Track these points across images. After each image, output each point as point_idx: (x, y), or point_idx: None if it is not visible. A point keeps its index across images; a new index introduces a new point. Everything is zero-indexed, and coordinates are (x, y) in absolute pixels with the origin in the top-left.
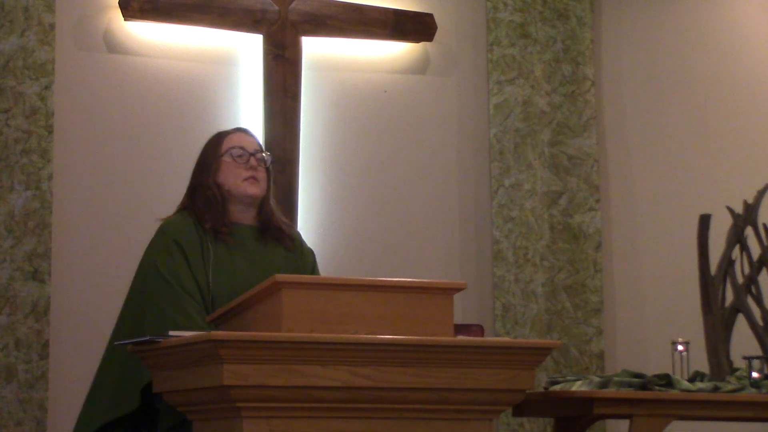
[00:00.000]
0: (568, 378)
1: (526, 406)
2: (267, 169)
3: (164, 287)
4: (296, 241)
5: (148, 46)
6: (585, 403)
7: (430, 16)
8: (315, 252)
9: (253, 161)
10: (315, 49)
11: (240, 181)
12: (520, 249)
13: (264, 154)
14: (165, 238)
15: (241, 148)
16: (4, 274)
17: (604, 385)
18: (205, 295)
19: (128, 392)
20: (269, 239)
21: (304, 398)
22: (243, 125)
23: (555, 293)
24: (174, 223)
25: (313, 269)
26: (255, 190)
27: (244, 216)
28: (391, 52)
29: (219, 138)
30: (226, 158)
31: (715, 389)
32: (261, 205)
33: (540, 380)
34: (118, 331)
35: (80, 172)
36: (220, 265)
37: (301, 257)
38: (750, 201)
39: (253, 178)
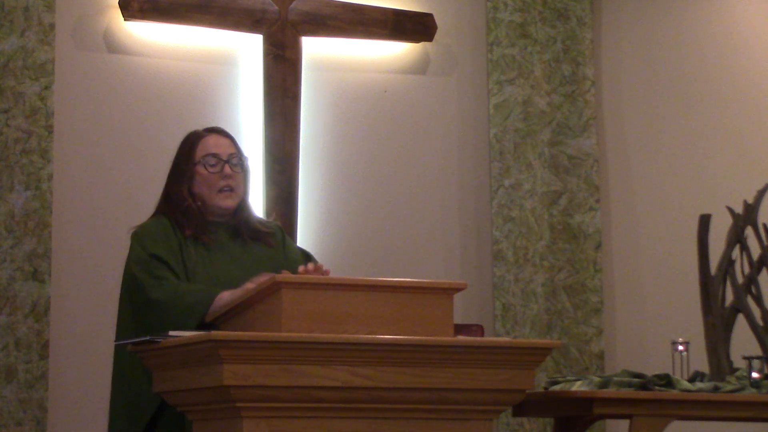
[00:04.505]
0: (568, 378)
1: (526, 406)
2: (244, 170)
3: (155, 313)
4: (276, 236)
5: (148, 46)
6: (585, 403)
7: (430, 16)
8: (314, 252)
9: (227, 169)
10: (315, 49)
11: (214, 193)
12: (520, 249)
13: (240, 158)
14: (143, 252)
15: (215, 156)
16: (4, 274)
17: (604, 385)
18: None
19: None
20: (247, 238)
21: (304, 398)
22: (242, 125)
23: (555, 293)
24: (149, 231)
25: (307, 261)
26: (229, 202)
27: (221, 218)
28: (391, 52)
29: (193, 142)
30: (200, 168)
31: (715, 389)
32: (237, 208)
33: (540, 380)
34: (118, 338)
35: (80, 172)
36: (200, 267)
37: (283, 251)
38: (750, 201)
39: (228, 186)
